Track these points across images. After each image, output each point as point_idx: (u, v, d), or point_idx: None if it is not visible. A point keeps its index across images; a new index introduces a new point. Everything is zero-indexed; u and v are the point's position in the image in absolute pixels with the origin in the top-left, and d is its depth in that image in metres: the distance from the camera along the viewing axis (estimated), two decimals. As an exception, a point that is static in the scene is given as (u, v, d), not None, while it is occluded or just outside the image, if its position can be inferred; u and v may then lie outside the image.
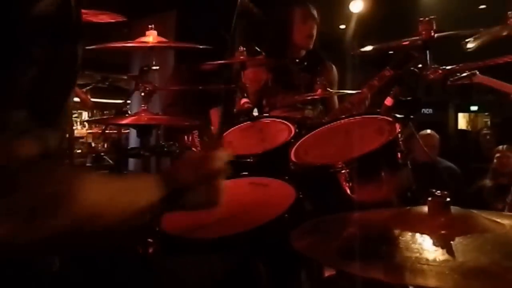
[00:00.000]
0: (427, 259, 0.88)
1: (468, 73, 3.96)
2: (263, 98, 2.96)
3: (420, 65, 1.99)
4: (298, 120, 2.29)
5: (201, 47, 2.42)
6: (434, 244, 0.94)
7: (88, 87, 5.51)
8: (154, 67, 2.30)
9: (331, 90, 2.40)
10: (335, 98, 3.00)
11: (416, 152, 3.90)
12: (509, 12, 2.05)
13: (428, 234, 0.97)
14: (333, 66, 3.08)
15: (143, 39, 2.29)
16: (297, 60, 2.95)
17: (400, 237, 0.98)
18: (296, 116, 2.74)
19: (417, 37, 1.99)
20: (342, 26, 5.92)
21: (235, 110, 2.49)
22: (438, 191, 1.04)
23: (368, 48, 2.41)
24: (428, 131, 4.30)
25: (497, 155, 4.03)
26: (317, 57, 3.02)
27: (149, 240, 1.63)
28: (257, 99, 2.92)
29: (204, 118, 2.90)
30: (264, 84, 2.93)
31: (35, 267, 0.85)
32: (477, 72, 4.03)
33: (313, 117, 2.71)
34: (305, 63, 2.98)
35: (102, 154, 7.03)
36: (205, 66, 2.74)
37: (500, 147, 4.08)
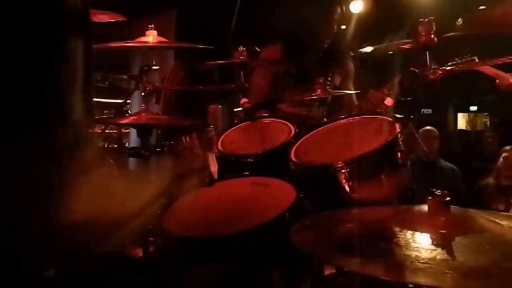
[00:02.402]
0: (426, 258, 0.88)
1: (467, 59, 3.92)
2: (273, 89, 2.90)
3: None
4: (298, 120, 2.28)
5: (201, 47, 2.42)
6: (434, 243, 0.95)
7: (88, 87, 5.50)
8: (154, 67, 2.31)
9: (331, 91, 2.39)
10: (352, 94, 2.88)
11: (416, 151, 3.90)
12: (459, 19, 2.04)
13: (427, 233, 0.98)
14: (350, 61, 2.99)
15: (143, 39, 2.29)
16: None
17: (400, 235, 0.98)
18: (303, 112, 2.72)
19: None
20: (342, 27, 5.91)
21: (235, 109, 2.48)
22: (438, 191, 1.04)
23: (368, 49, 2.39)
24: (427, 127, 4.26)
25: (504, 154, 3.91)
26: (334, 51, 2.93)
27: (150, 239, 1.63)
28: (270, 90, 2.86)
29: (203, 118, 2.89)
30: (275, 74, 2.87)
31: (27, 273, 0.84)
32: (476, 59, 3.97)
33: (317, 116, 2.66)
34: (320, 56, 2.91)
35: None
36: (203, 66, 2.73)
37: (508, 147, 3.95)
